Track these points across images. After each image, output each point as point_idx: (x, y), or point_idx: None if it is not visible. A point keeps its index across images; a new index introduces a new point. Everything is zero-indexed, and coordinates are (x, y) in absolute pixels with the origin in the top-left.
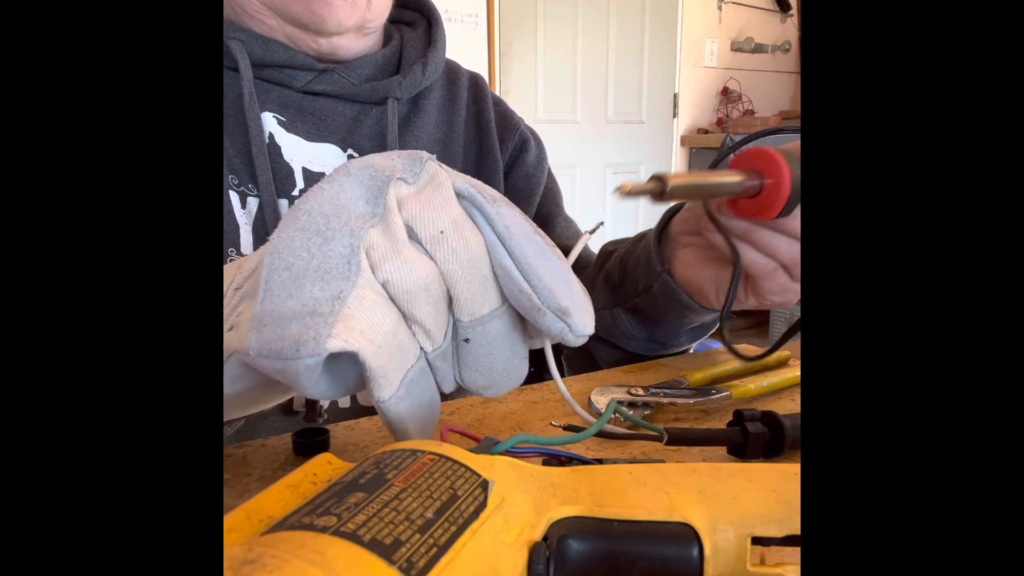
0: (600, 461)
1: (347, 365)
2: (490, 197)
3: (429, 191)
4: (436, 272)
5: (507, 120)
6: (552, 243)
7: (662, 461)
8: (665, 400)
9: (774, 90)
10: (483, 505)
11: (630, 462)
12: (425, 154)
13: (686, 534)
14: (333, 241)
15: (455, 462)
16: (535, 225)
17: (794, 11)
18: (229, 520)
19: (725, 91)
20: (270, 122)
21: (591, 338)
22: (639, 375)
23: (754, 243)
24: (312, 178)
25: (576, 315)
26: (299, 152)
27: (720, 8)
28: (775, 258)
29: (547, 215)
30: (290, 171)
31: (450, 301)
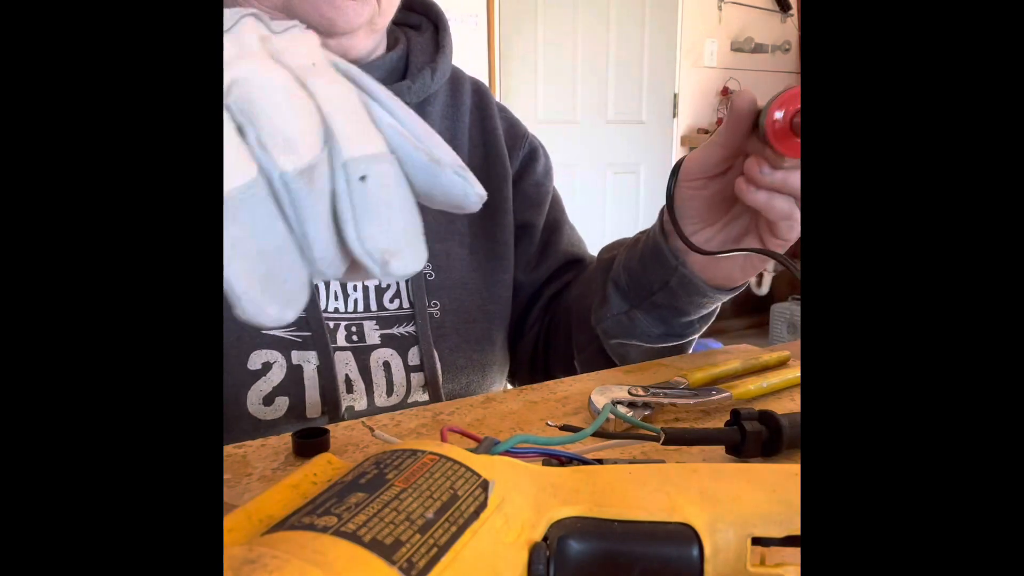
0: (600, 461)
1: None
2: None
3: (297, 38)
4: (297, 85)
5: (515, 129)
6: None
7: (662, 461)
8: (665, 400)
9: (774, 90)
10: (483, 505)
11: (630, 462)
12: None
13: (686, 534)
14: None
15: (455, 462)
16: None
17: (794, 11)
18: (230, 520)
19: (725, 91)
20: None
21: (608, 339)
22: (639, 375)
23: (786, 188)
24: None
25: (469, 174)
26: None
27: (720, 8)
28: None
29: (554, 222)
30: None
31: (331, 139)
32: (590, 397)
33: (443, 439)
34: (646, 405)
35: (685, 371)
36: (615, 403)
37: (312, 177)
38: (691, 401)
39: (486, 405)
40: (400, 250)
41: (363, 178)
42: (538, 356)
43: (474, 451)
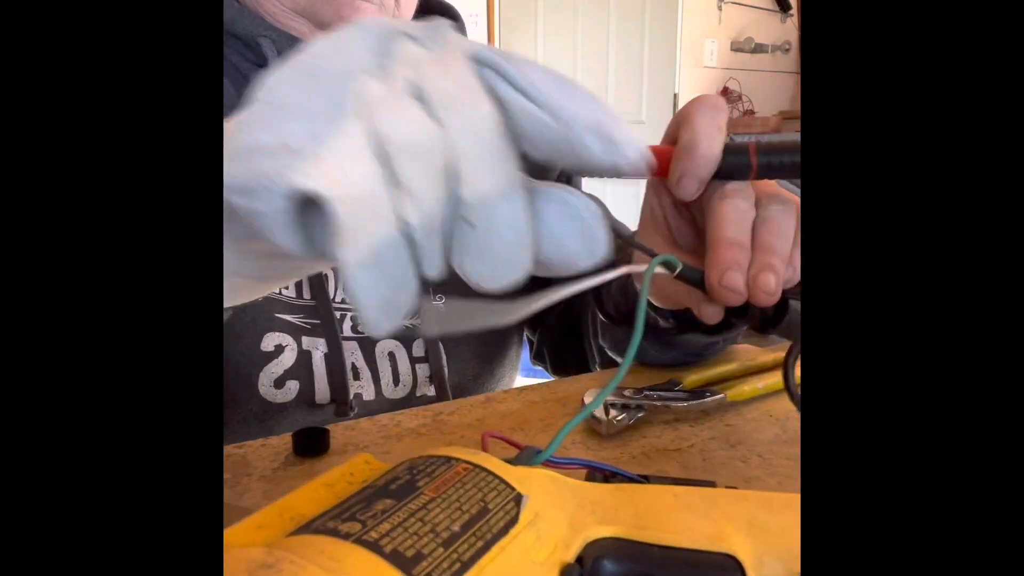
0: (646, 478)
1: (321, 223)
2: (514, 60)
3: (445, 57)
4: (438, 135)
5: None
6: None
7: (712, 483)
8: (659, 402)
9: (774, 90)
10: (514, 520)
11: (676, 482)
12: (446, 22)
13: (729, 566)
14: (323, 83)
15: (489, 473)
16: (562, 75)
17: (794, 11)
18: (262, 516)
19: (725, 91)
20: None
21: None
22: (634, 376)
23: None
24: None
25: (617, 132)
26: None
27: (720, 8)
28: None
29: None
30: None
31: (454, 178)
32: (582, 399)
33: (484, 445)
34: (639, 407)
35: (680, 373)
36: (609, 405)
37: (433, 230)
38: (685, 404)
39: (486, 405)
40: (493, 276)
41: (472, 225)
42: (566, 340)
43: (514, 461)
